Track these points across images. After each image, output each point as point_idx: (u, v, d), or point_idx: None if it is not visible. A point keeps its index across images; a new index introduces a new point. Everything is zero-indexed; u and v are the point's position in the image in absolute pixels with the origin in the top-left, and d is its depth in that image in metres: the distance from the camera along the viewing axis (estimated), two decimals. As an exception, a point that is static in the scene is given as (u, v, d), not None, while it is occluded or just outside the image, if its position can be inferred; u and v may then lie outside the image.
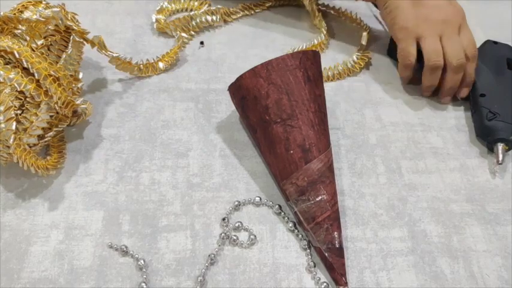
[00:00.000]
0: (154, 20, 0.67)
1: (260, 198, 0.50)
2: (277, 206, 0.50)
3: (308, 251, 0.47)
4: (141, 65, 0.60)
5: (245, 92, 0.50)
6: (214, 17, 0.68)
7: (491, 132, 0.55)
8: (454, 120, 0.59)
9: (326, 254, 0.45)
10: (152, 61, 0.62)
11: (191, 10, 0.70)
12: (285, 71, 0.49)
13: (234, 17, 0.70)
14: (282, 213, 0.49)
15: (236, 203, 0.50)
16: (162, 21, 0.67)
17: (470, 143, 0.57)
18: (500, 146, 0.54)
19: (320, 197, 0.46)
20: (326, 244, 0.45)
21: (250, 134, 0.54)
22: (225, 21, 0.69)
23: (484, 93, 0.58)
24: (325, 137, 0.49)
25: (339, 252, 0.45)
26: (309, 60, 0.50)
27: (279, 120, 0.48)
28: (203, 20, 0.68)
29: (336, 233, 0.46)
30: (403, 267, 0.47)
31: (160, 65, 0.62)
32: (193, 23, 0.67)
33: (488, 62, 0.61)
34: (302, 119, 0.48)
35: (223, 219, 0.49)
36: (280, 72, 0.49)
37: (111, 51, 0.56)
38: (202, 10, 0.68)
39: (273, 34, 0.68)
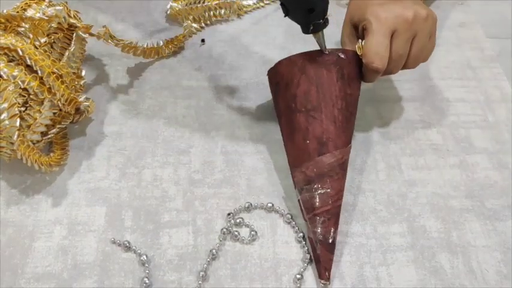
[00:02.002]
0: (169, 7, 0.68)
1: (272, 204, 0.50)
2: (288, 215, 0.50)
3: (303, 243, 0.48)
4: (145, 48, 0.61)
5: (279, 78, 0.52)
6: (227, 10, 0.69)
7: None
8: (454, 117, 0.60)
9: (316, 246, 0.46)
10: (156, 45, 0.62)
11: (203, 2, 0.70)
12: (320, 64, 0.50)
13: (245, 9, 0.71)
14: (282, 210, 0.50)
15: (247, 204, 0.50)
16: (177, 8, 0.67)
17: (469, 139, 0.58)
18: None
19: (324, 190, 0.47)
20: (319, 236, 0.46)
21: (277, 120, 0.54)
22: (238, 15, 0.70)
23: None
24: (345, 136, 0.50)
25: (330, 247, 0.46)
26: (347, 59, 0.51)
27: (303, 109, 0.50)
28: (217, 13, 0.69)
29: (332, 228, 0.46)
30: (403, 263, 0.47)
31: (164, 49, 0.63)
32: (206, 14, 0.68)
33: None
34: (326, 112, 0.49)
35: (229, 214, 0.49)
36: (315, 65, 0.50)
37: (117, 40, 0.57)
38: (216, 2, 0.69)
39: (274, 32, 0.68)
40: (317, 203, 0.47)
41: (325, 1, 0.48)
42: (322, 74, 0.50)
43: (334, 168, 0.48)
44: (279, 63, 0.52)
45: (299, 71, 0.50)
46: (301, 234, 0.48)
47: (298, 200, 0.49)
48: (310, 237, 0.47)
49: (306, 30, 0.50)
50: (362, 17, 0.51)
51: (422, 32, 0.51)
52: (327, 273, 0.45)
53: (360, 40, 0.52)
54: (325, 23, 0.49)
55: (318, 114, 0.49)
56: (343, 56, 0.51)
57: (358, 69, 0.52)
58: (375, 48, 0.50)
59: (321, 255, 0.45)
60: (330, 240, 0.46)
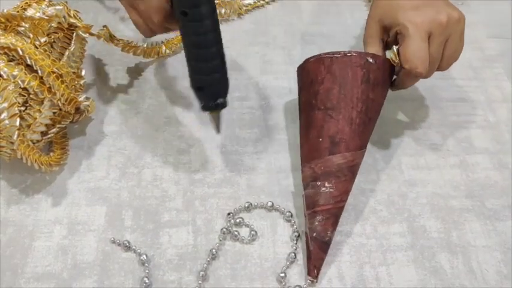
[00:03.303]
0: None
1: (272, 204, 0.50)
2: (288, 213, 0.50)
3: (295, 242, 0.48)
4: (145, 48, 0.61)
5: (306, 74, 0.52)
6: (227, 10, 0.69)
7: None
8: (455, 117, 0.60)
9: (310, 243, 0.46)
10: (156, 45, 0.62)
11: None
12: (347, 65, 0.50)
13: (246, 9, 0.70)
14: (282, 208, 0.50)
15: (247, 204, 0.50)
16: None
17: (470, 139, 0.57)
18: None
19: (328, 189, 0.47)
20: (314, 233, 0.46)
21: (298, 115, 0.55)
22: (239, 15, 0.70)
23: None
24: (360, 139, 0.49)
25: (324, 247, 0.46)
26: (376, 64, 0.51)
27: (323, 107, 0.50)
28: (217, 12, 0.68)
29: (329, 228, 0.46)
30: (403, 263, 0.47)
31: (164, 49, 0.63)
32: None
33: None
34: (344, 113, 0.49)
35: (229, 214, 0.49)
36: (341, 65, 0.50)
37: (117, 40, 0.57)
38: (216, 2, 0.69)
39: (273, 31, 0.68)
40: (319, 201, 0.47)
41: (215, 86, 0.48)
42: (347, 74, 0.50)
43: (342, 169, 0.48)
44: (308, 60, 0.53)
45: (325, 69, 0.51)
46: (296, 233, 0.48)
47: (303, 195, 0.49)
48: (306, 232, 0.47)
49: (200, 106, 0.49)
50: (395, 21, 0.51)
51: (456, 34, 0.51)
52: (315, 271, 0.45)
53: (394, 46, 0.51)
54: (218, 107, 0.48)
55: (335, 113, 0.49)
56: (371, 61, 0.50)
57: (386, 77, 0.52)
58: (417, 53, 0.49)
59: (313, 252, 0.46)
60: (325, 239, 0.46)
